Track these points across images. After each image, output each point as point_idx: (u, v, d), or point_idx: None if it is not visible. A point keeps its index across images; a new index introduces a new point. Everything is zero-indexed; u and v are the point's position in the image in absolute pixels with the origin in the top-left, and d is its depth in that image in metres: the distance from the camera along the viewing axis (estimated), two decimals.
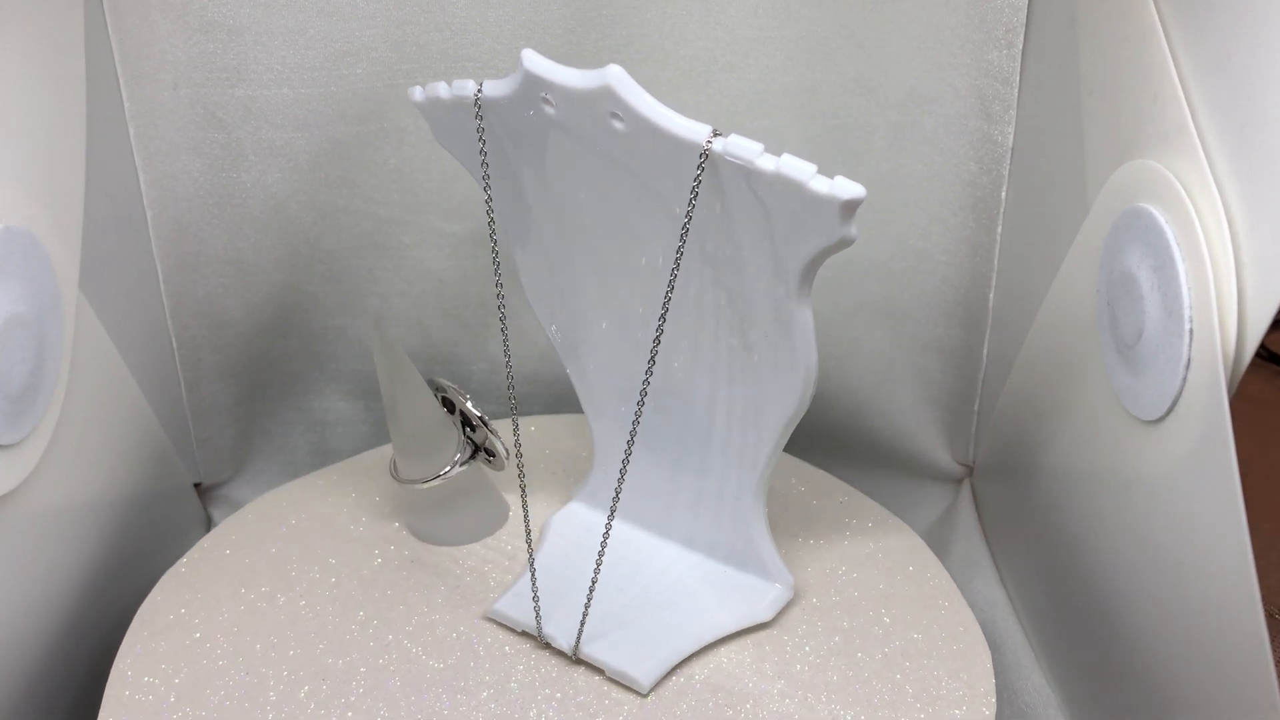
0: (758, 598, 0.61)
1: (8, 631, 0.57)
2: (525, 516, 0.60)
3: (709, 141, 0.49)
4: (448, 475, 0.64)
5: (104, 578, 0.66)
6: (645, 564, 0.63)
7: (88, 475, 0.64)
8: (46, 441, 0.58)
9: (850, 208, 0.48)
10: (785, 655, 0.59)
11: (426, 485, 0.64)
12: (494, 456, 0.65)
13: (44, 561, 0.60)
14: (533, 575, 0.59)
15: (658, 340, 0.54)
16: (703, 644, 0.59)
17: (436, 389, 0.64)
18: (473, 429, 0.64)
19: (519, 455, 0.60)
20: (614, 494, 0.56)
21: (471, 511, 0.67)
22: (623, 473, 0.56)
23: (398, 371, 0.62)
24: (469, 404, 0.64)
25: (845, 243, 0.49)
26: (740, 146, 0.49)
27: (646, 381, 0.55)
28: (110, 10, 0.67)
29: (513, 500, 0.69)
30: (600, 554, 0.57)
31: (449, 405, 0.64)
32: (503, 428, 0.66)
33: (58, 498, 0.61)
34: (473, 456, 0.65)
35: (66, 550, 0.62)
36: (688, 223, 0.52)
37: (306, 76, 0.70)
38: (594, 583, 0.57)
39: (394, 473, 0.65)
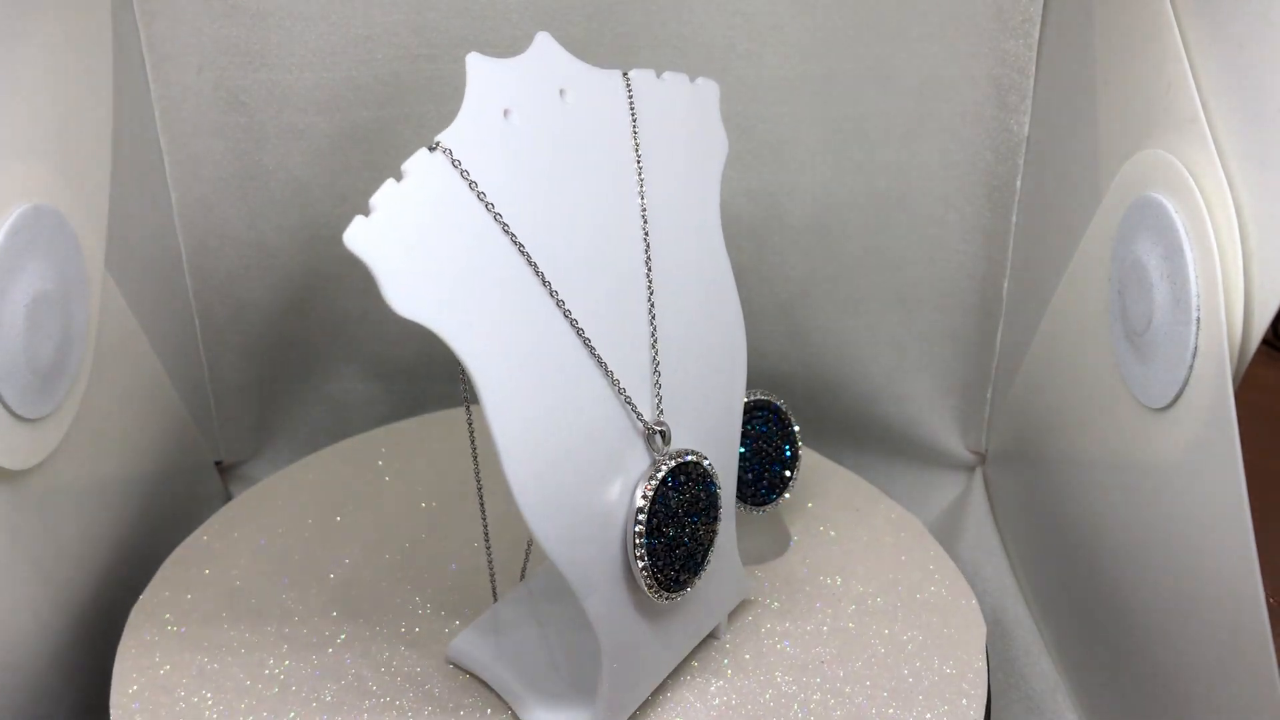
0: None
1: (31, 602, 0.58)
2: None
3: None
4: None
5: (125, 552, 0.67)
6: None
7: (111, 451, 0.65)
8: (72, 417, 0.60)
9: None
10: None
11: None
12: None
13: (67, 535, 0.61)
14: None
15: None
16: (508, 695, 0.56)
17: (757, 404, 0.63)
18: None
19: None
20: None
21: (767, 525, 0.67)
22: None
23: None
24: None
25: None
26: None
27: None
28: None
29: None
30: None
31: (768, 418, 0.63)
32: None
33: (82, 472, 0.62)
34: None
35: (89, 524, 0.63)
36: None
37: (329, 60, 0.71)
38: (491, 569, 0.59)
39: None
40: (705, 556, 0.53)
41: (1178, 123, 0.52)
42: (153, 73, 0.70)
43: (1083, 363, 0.63)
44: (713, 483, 0.52)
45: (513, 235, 0.47)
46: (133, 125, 0.68)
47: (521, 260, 0.47)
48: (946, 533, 0.82)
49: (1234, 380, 0.47)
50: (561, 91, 0.51)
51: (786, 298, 0.81)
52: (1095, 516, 0.63)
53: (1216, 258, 0.48)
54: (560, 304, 0.49)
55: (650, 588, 0.50)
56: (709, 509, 0.52)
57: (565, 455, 0.48)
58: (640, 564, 0.49)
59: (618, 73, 0.54)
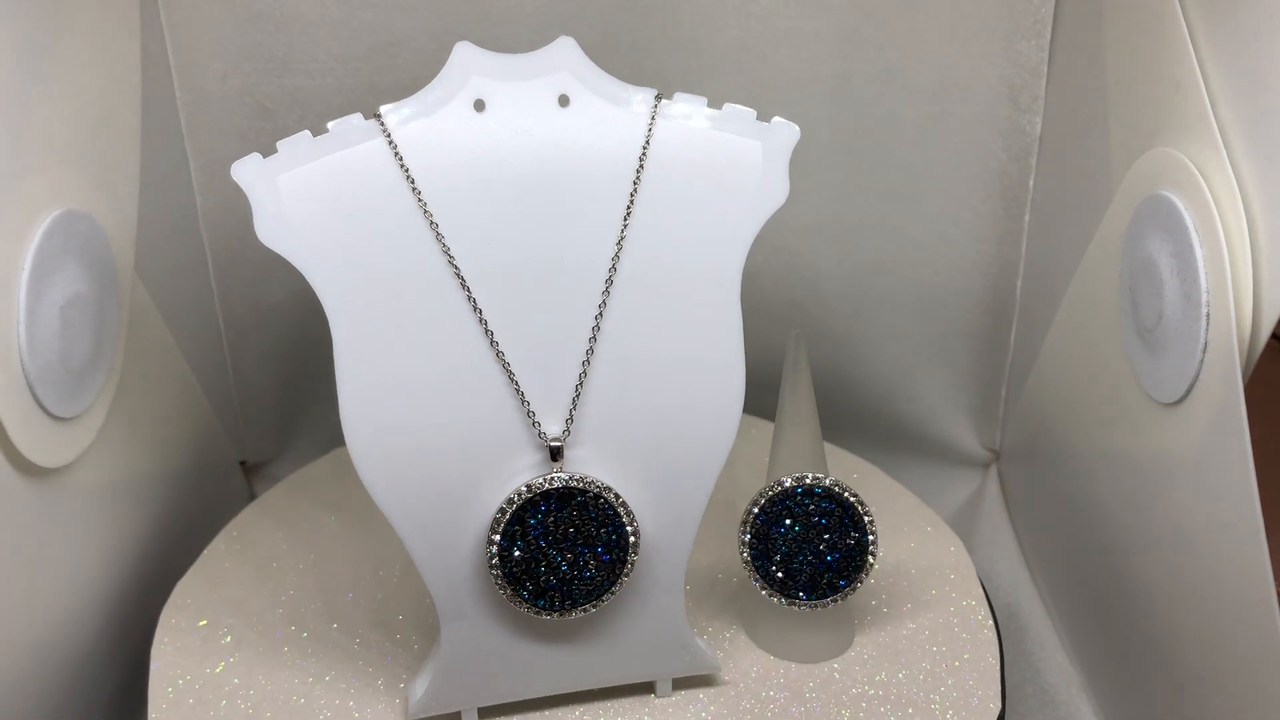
0: None
1: (63, 599, 0.59)
2: None
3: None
4: None
5: (154, 549, 0.68)
6: None
7: (140, 450, 0.67)
8: (103, 416, 0.61)
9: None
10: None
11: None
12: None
13: (98, 531, 0.62)
14: None
15: None
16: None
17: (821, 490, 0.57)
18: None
19: None
20: None
21: (815, 627, 0.59)
22: None
23: (797, 404, 0.57)
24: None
25: None
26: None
27: None
28: (163, 2, 0.69)
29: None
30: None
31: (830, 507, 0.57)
32: None
33: (112, 471, 0.63)
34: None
35: (120, 520, 0.65)
36: None
37: (350, 66, 0.72)
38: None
39: None
40: (598, 595, 0.50)
41: (1186, 121, 0.53)
42: (178, 80, 0.71)
43: (1095, 359, 0.64)
44: (621, 522, 0.50)
45: (429, 214, 0.48)
46: (159, 131, 0.70)
47: (431, 238, 0.48)
48: (961, 528, 0.83)
49: (1243, 375, 0.48)
50: (564, 98, 0.50)
51: (800, 296, 0.81)
52: (1108, 511, 0.63)
53: (1225, 254, 0.48)
54: (466, 289, 0.48)
55: (502, 591, 0.50)
56: (612, 548, 0.50)
57: (429, 437, 0.49)
58: (491, 562, 0.49)
59: (649, 92, 0.52)
